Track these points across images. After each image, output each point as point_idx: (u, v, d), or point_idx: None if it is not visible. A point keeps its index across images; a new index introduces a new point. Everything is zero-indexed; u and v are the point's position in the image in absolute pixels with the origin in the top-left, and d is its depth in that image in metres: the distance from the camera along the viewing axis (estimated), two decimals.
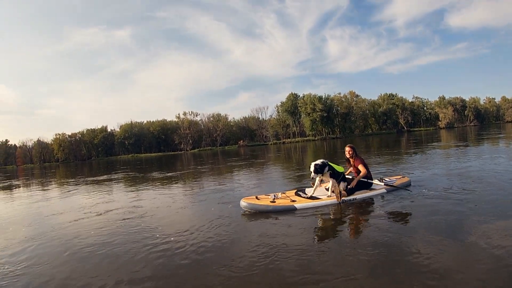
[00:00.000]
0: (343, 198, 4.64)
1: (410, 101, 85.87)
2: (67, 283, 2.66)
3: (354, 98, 79.25)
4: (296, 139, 71.81)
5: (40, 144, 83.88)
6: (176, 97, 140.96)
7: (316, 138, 71.35)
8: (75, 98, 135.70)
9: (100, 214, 5.44)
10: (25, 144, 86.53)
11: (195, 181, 10.19)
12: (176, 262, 2.90)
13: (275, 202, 4.54)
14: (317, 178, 4.74)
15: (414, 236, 3.12)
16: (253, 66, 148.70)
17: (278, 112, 77.22)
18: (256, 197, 4.73)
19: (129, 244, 3.52)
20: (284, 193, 4.98)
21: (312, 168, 4.57)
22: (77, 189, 10.47)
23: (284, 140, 72.77)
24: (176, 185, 9.23)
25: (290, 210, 4.42)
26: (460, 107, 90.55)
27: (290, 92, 75.05)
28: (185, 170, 15.74)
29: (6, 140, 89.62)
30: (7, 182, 18.83)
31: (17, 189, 13.43)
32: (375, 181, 5.34)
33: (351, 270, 2.51)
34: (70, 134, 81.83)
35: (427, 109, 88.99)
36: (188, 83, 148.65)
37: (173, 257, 3.03)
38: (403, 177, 5.78)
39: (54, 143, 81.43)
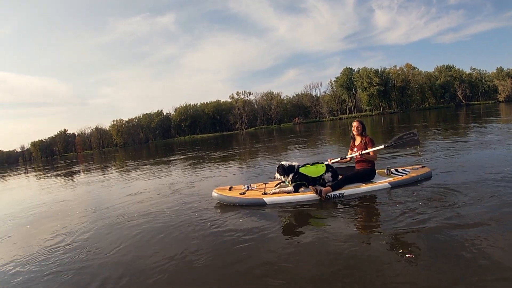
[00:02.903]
0: (328, 194, 3.71)
1: (467, 73, 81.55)
2: (127, 265, 2.61)
3: (411, 71, 76.22)
4: (353, 115, 70.17)
5: (98, 131, 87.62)
6: (223, 78, 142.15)
7: (373, 113, 69.23)
8: (123, 86, 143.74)
9: (164, 196, 5.26)
10: (83, 132, 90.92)
11: (253, 160, 9.90)
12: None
13: (245, 194, 3.99)
14: (287, 180, 3.94)
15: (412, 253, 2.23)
16: (298, 42, 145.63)
17: (333, 87, 75.70)
18: (230, 188, 4.26)
19: (182, 227, 3.41)
20: (265, 183, 4.30)
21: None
22: (140, 171, 10.32)
23: (340, 116, 71.41)
24: (234, 164, 9.02)
25: (259, 205, 3.82)
26: None
27: (345, 67, 73.18)
28: (243, 148, 15.51)
29: (65, 129, 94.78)
30: (73, 168, 19.09)
31: (86, 173, 13.40)
32: (379, 171, 4.25)
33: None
34: (127, 119, 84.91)
35: (485, 81, 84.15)
36: (233, 64, 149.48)
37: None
38: (422, 167, 4.38)
39: (112, 129, 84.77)
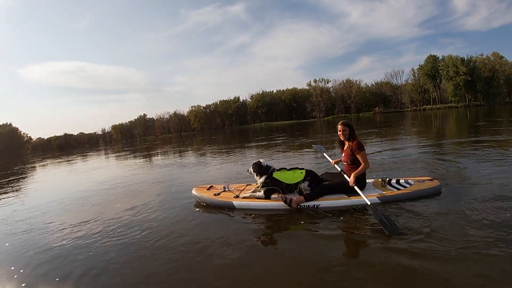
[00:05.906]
0: (300, 204, 3.36)
1: None
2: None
3: (498, 60, 72.73)
4: (437, 106, 68.60)
5: (177, 116, 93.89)
6: (295, 66, 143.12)
7: (458, 105, 67.25)
8: (197, 74, 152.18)
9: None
10: (161, 117, 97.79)
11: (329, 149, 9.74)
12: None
13: (219, 195, 3.94)
14: (257, 178, 3.71)
15: None
16: (372, 28, 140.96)
17: (415, 76, 74.38)
18: (210, 186, 4.27)
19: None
20: (248, 184, 4.19)
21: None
22: (224, 156, 10.72)
23: (423, 106, 70.20)
24: (309, 153, 8.97)
25: (229, 207, 3.73)
26: None
27: (429, 54, 71.15)
28: (321, 138, 15.33)
29: (144, 114, 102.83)
30: (155, 150, 19.96)
31: (167, 156, 13.92)
32: (375, 181, 3.70)
33: None
34: (204, 105, 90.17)
35: None
36: (305, 51, 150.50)
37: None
38: (431, 179, 3.54)
39: (190, 114, 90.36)
